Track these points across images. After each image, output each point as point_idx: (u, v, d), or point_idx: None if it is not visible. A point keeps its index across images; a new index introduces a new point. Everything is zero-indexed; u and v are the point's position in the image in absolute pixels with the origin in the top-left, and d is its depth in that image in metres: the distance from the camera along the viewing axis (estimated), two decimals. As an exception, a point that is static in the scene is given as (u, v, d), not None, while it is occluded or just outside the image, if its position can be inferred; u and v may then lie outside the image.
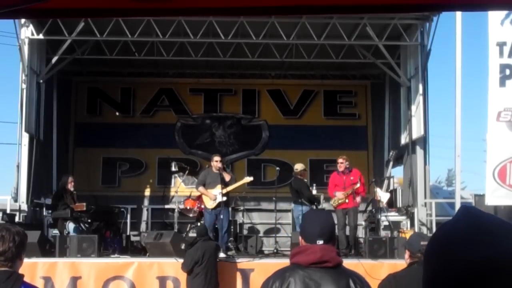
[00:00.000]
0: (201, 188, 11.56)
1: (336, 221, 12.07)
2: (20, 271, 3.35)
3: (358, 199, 11.79)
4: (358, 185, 11.56)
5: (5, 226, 3.46)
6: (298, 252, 3.16)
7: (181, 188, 14.75)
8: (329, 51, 14.27)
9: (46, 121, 14.01)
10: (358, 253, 11.40)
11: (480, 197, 11.68)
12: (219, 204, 11.27)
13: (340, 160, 11.85)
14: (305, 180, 12.58)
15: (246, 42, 13.77)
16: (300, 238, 3.25)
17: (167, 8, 2.05)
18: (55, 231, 11.72)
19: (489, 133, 10.99)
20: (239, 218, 14.04)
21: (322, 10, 2.49)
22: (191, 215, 12.87)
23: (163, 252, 10.41)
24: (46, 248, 10.70)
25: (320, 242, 3.09)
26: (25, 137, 12.72)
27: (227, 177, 11.43)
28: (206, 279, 9.37)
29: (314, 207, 11.96)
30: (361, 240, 12.31)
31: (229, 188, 11.49)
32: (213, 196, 11.26)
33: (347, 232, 11.60)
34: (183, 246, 10.49)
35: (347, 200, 11.55)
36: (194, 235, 12.94)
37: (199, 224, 12.65)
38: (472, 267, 1.14)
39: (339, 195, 11.56)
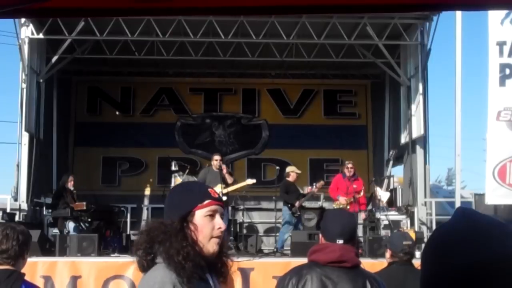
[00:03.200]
0: None
1: None
2: (21, 270, 3.36)
3: (362, 214, 12.08)
4: (362, 194, 11.80)
5: (10, 225, 3.47)
6: (317, 250, 3.14)
7: (181, 187, 14.73)
8: (329, 51, 14.28)
9: (46, 121, 14.01)
10: (358, 253, 11.42)
11: (480, 196, 11.68)
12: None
13: (349, 166, 12.02)
14: (290, 181, 12.52)
15: (246, 42, 13.77)
16: (320, 236, 3.23)
17: (167, 8, 2.05)
18: (55, 230, 11.71)
19: (489, 132, 10.99)
20: (239, 217, 14.04)
21: (322, 10, 2.50)
22: (191, 214, 12.86)
23: (163, 252, 10.40)
24: (46, 247, 10.70)
25: (340, 241, 3.08)
26: (25, 137, 12.72)
27: (229, 180, 11.43)
28: None
29: (287, 208, 12.15)
30: (361, 239, 12.32)
31: (230, 188, 11.50)
32: None
33: None
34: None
35: (348, 207, 11.72)
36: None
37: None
38: (469, 268, 1.15)
39: (342, 200, 11.75)
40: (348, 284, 3.00)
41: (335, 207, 11.80)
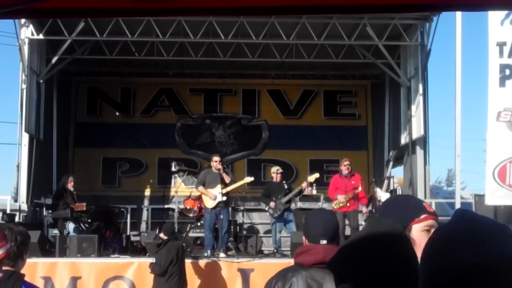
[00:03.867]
0: (200, 188, 11.56)
1: None
2: (21, 270, 3.35)
3: (363, 208, 11.95)
4: (360, 189, 11.67)
5: (8, 226, 3.46)
6: (301, 252, 3.15)
7: (181, 188, 14.75)
8: (329, 51, 14.28)
9: (46, 121, 14.01)
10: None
11: (480, 197, 11.68)
12: (218, 204, 11.27)
13: (345, 163, 11.92)
14: (274, 181, 12.39)
15: (246, 42, 13.77)
16: (303, 238, 3.24)
17: (167, 8, 2.05)
18: (55, 231, 11.72)
19: (489, 133, 10.99)
20: (239, 218, 14.04)
21: (322, 10, 2.49)
22: (191, 215, 12.87)
23: (163, 252, 10.40)
24: (46, 248, 10.71)
25: (324, 242, 3.08)
26: (25, 137, 12.72)
27: (227, 179, 11.42)
28: (181, 279, 9.05)
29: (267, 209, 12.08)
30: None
31: (229, 188, 11.49)
32: (213, 196, 11.26)
33: (349, 233, 11.60)
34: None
35: (348, 204, 11.62)
36: (195, 235, 12.99)
37: (198, 224, 12.65)
38: (467, 270, 1.15)
39: (341, 198, 11.64)
40: (334, 284, 3.00)
41: (335, 207, 11.68)
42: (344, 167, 11.87)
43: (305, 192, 12.81)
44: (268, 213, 12.33)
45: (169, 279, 9.03)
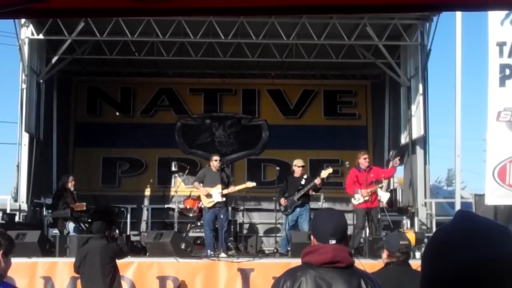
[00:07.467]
0: (196, 184, 11.64)
1: (355, 221, 11.41)
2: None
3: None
4: (382, 184, 11.22)
5: None
6: (310, 251, 3.13)
7: (181, 187, 14.76)
8: (329, 51, 14.28)
9: (46, 121, 14.02)
10: (358, 253, 11.36)
11: (480, 197, 11.68)
12: (217, 204, 11.29)
13: (364, 156, 11.48)
14: (294, 176, 12.03)
15: (246, 42, 13.78)
16: (312, 237, 3.22)
17: (167, 8, 2.05)
18: (55, 231, 11.73)
19: (489, 133, 10.99)
20: (239, 218, 14.04)
21: (322, 10, 2.50)
22: (191, 214, 12.88)
23: (163, 252, 10.41)
24: (46, 248, 10.71)
25: (333, 241, 3.07)
26: (25, 137, 12.73)
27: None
28: (88, 283, 8.31)
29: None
30: (361, 240, 12.28)
31: (229, 190, 11.51)
32: (205, 191, 11.30)
33: (367, 234, 11.21)
34: (183, 246, 10.47)
35: (370, 199, 11.11)
36: (195, 234, 13.00)
37: (198, 223, 12.66)
38: (466, 269, 1.16)
39: (363, 192, 11.07)
40: (343, 284, 3.00)
41: (355, 202, 11.19)
42: (364, 161, 11.37)
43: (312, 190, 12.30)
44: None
45: (80, 279, 8.46)
